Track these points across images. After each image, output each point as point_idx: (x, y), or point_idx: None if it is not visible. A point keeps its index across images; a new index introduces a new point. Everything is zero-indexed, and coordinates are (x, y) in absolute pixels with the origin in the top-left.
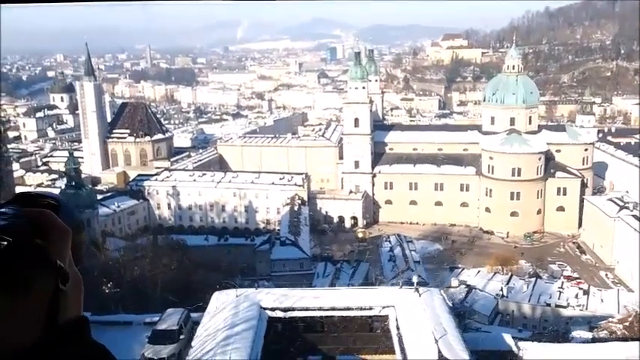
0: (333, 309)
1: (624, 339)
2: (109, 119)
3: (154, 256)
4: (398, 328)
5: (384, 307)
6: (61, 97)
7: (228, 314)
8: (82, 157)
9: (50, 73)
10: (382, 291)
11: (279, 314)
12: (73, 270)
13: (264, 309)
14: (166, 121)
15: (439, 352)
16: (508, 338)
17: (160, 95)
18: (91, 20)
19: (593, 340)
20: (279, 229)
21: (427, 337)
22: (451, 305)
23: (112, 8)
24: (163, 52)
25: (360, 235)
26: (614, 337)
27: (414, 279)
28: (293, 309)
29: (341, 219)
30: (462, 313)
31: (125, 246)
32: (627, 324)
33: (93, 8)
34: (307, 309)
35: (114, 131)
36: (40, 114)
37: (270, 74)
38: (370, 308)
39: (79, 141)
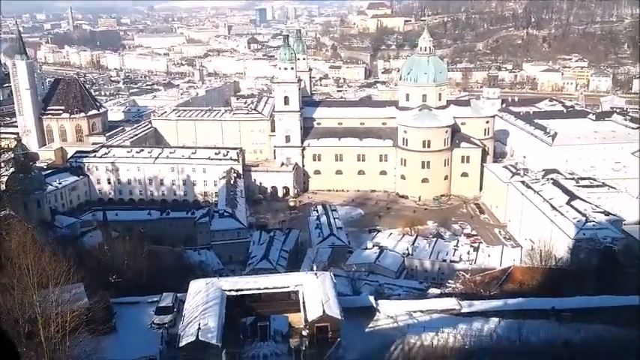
0: (266, 288)
1: (460, 294)
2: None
3: (131, 247)
4: (303, 298)
5: (296, 285)
6: None
7: (202, 295)
8: (17, 134)
9: None
10: (295, 275)
11: (233, 293)
12: None
13: (224, 290)
14: (96, 92)
15: (323, 310)
16: (371, 298)
17: (86, 61)
18: None
19: (439, 295)
20: (217, 201)
21: (318, 302)
22: (335, 282)
23: None
24: (85, 11)
25: (292, 203)
26: (452, 293)
27: (314, 267)
28: (242, 289)
29: (274, 189)
30: (372, 271)
31: (74, 223)
32: (461, 284)
33: None
34: (250, 289)
35: (48, 108)
36: None
37: (199, 37)
38: (288, 286)
39: (10, 115)
